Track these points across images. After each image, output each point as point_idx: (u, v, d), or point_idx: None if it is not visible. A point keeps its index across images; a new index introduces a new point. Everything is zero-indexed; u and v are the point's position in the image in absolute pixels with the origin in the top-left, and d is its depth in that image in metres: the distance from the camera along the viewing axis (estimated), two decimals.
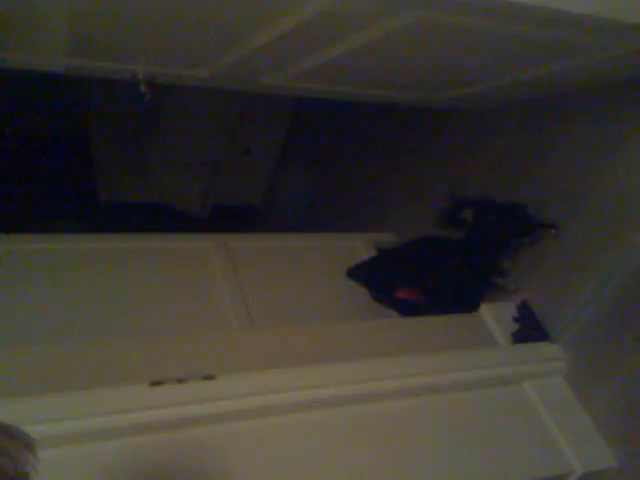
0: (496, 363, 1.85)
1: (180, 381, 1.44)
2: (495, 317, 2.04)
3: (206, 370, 1.51)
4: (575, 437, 1.77)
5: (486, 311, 2.06)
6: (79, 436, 1.32)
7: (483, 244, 2.05)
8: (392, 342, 1.94)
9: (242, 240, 2.48)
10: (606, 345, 1.82)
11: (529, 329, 1.98)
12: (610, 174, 1.83)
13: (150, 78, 1.54)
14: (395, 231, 2.80)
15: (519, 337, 1.98)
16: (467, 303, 2.10)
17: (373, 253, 2.59)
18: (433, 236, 2.49)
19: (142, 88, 1.55)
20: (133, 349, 1.60)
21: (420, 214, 2.71)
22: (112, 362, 1.54)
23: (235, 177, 3.77)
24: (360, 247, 2.63)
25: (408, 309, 2.32)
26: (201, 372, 1.49)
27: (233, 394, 1.45)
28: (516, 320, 2.03)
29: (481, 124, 2.45)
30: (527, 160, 2.19)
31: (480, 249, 2.02)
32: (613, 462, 1.74)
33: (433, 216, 2.28)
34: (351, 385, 1.65)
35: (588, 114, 1.96)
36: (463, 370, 1.80)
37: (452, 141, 2.63)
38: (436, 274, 2.18)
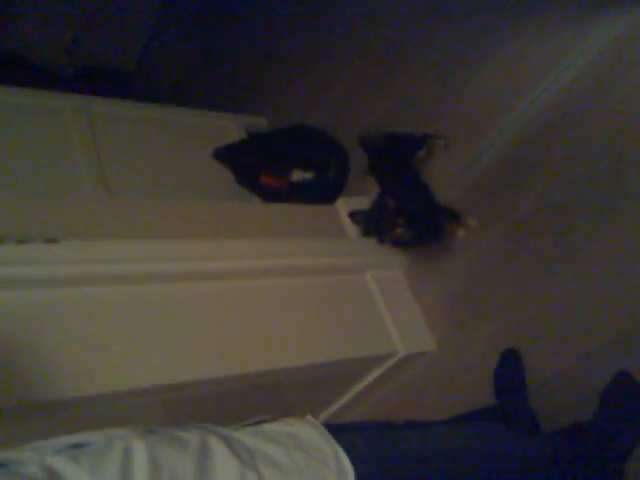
0: (343, 253, 1.97)
1: (20, 242, 1.38)
2: (349, 210, 2.12)
3: (51, 234, 1.46)
4: (403, 324, 1.95)
5: (341, 204, 2.14)
6: None
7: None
8: (250, 225, 1.98)
9: (106, 105, 2.34)
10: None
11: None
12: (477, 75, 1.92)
13: None
14: (269, 117, 2.77)
15: (370, 234, 2.09)
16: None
17: (243, 136, 2.56)
18: (307, 126, 2.51)
19: None
20: None
21: (295, 101, 2.69)
22: None
23: (106, 36, 3.47)
24: (231, 128, 2.59)
25: (270, 196, 2.36)
26: (46, 235, 1.45)
27: (73, 259, 1.42)
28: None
29: (366, 15, 2.41)
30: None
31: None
32: (433, 347, 1.96)
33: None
34: (202, 262, 1.68)
35: (470, 15, 1.99)
36: (311, 256, 1.90)
37: (335, 31, 2.57)
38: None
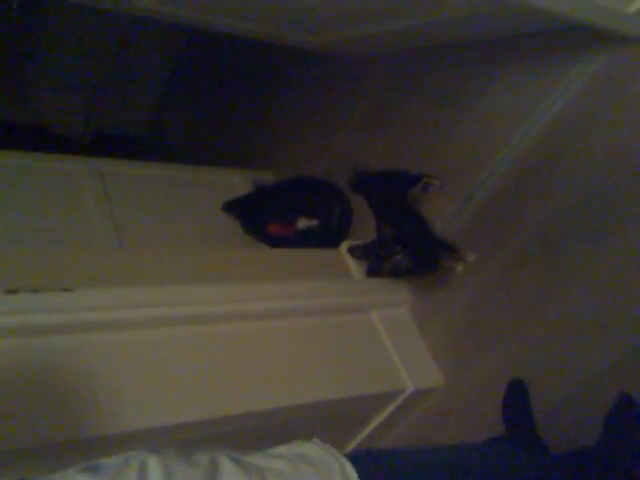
0: (348, 292, 2.03)
1: (35, 291, 1.47)
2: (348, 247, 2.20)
3: (66, 283, 1.55)
4: (411, 361, 1.99)
5: (346, 247, 2.21)
6: None
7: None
8: (257, 269, 2.06)
9: (118, 165, 2.47)
10: (442, 280, 2.03)
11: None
12: (464, 121, 2.03)
13: None
14: (275, 170, 2.89)
15: (372, 271, 2.16)
16: None
17: (251, 189, 2.68)
18: (311, 177, 2.62)
19: None
20: None
21: (300, 155, 2.82)
22: None
23: (119, 103, 3.68)
24: (239, 183, 2.70)
25: (278, 244, 2.44)
26: (60, 285, 1.53)
27: (89, 307, 1.50)
28: None
29: (357, 72, 2.56)
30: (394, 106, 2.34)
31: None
32: (441, 382, 1.99)
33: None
34: (211, 305, 1.75)
35: (456, 64, 2.12)
36: (318, 297, 1.96)
37: (334, 87, 2.72)
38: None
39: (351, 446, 2.13)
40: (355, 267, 2.19)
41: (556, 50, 1.76)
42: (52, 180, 2.24)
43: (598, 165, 1.63)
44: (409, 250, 1.78)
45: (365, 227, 2.37)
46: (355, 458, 0.99)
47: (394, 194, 1.99)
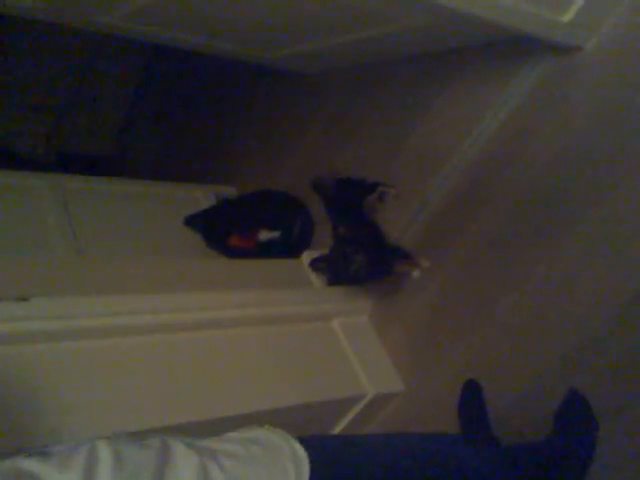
0: (309, 301, 2.06)
1: None
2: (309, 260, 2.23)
3: (21, 292, 1.55)
4: (371, 366, 2.02)
5: (307, 257, 2.25)
6: None
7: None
8: (219, 278, 2.08)
9: (80, 181, 2.48)
10: (399, 288, 2.08)
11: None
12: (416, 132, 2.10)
13: None
14: (239, 185, 2.93)
15: (333, 281, 2.20)
16: None
17: (213, 203, 2.71)
18: (272, 190, 2.66)
19: None
20: None
21: (262, 169, 2.86)
22: None
23: (84, 124, 3.69)
24: (201, 197, 2.73)
25: (239, 256, 2.47)
26: (16, 294, 1.53)
27: (45, 316, 1.50)
28: None
29: (317, 87, 2.63)
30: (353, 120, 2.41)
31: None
32: (402, 387, 2.02)
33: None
34: (170, 314, 1.77)
35: (407, 78, 2.20)
36: (279, 305, 1.99)
37: (292, 102, 2.78)
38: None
39: None
40: (315, 276, 2.22)
41: (498, 62, 1.85)
42: (13, 195, 2.24)
43: (541, 169, 1.71)
44: (364, 250, 1.82)
45: (326, 237, 2.41)
46: (305, 440, 1.02)
47: (350, 201, 2.04)
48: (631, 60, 1.57)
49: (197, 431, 1.60)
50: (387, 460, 1.13)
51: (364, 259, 1.82)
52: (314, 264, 1.99)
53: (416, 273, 1.99)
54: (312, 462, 0.97)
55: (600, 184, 1.58)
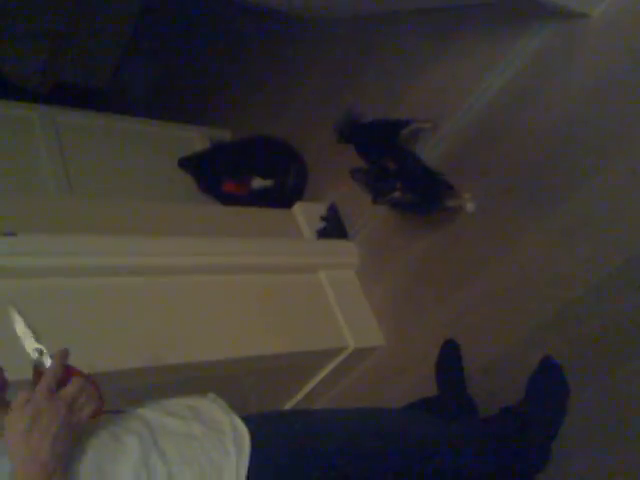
0: (297, 252, 2.07)
1: None
2: (305, 214, 2.24)
3: (10, 227, 1.55)
4: (354, 321, 2.05)
5: (298, 208, 2.25)
6: None
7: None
8: (209, 225, 2.08)
9: (73, 116, 2.44)
10: (387, 245, 2.09)
11: (332, 227, 2.21)
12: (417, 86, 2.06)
13: None
14: (234, 129, 2.89)
15: (323, 234, 2.21)
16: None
17: (208, 146, 2.67)
18: (268, 137, 2.62)
19: None
20: None
21: (259, 114, 2.81)
22: None
23: (80, 54, 3.59)
24: (196, 139, 2.70)
25: (232, 202, 2.46)
26: (3, 228, 1.53)
27: (31, 251, 1.50)
28: (323, 219, 2.24)
29: (317, 34, 2.56)
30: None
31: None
32: (382, 341, 2.06)
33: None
34: (160, 257, 1.77)
35: (414, 30, 2.14)
36: (267, 255, 2.00)
37: (295, 47, 2.71)
38: None
39: (296, 400, 2.20)
40: (306, 227, 2.23)
41: (503, 22, 1.80)
42: (4, 125, 2.21)
43: (536, 137, 1.69)
44: (410, 188, 1.70)
45: (319, 190, 2.41)
46: (247, 417, 1.03)
47: (386, 139, 1.92)
48: (636, 31, 1.53)
49: (173, 374, 1.65)
50: (335, 433, 1.13)
51: (409, 197, 1.70)
52: (355, 173, 1.80)
53: (470, 205, 1.83)
54: (253, 438, 0.97)
55: (586, 159, 1.57)
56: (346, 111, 2.06)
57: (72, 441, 0.82)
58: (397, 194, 1.70)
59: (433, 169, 1.85)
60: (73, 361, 0.90)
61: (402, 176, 1.71)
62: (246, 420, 1.02)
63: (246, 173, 2.49)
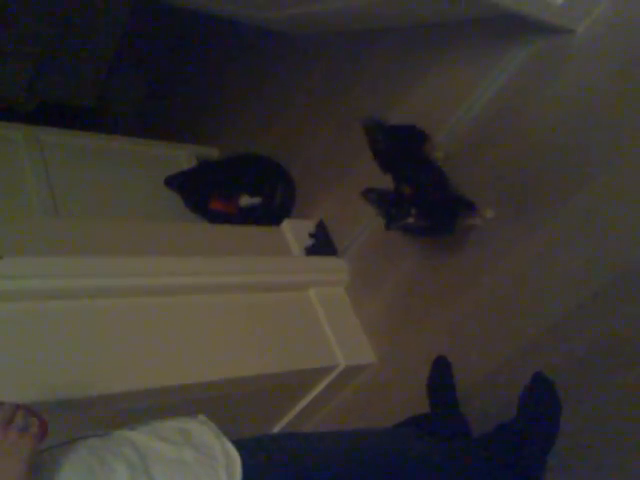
0: (286, 270, 2.05)
1: None
2: (293, 231, 2.23)
3: None
4: (345, 338, 2.03)
5: (286, 225, 2.24)
6: None
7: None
8: (197, 244, 2.06)
9: (58, 135, 2.42)
10: (377, 261, 2.09)
11: (321, 244, 2.21)
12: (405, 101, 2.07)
13: None
14: (222, 147, 2.88)
15: (312, 251, 2.20)
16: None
17: (195, 165, 2.66)
18: (255, 155, 2.62)
19: None
20: None
21: (246, 132, 2.81)
22: None
23: (66, 72, 3.57)
24: (182, 158, 2.68)
25: (219, 220, 2.44)
26: None
27: (16, 275, 1.48)
28: (312, 236, 2.24)
29: (305, 50, 2.57)
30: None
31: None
32: (373, 359, 2.04)
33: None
34: (146, 278, 1.75)
35: (400, 46, 2.16)
36: (257, 273, 1.98)
37: (283, 64, 2.72)
38: None
39: (287, 419, 2.18)
40: (295, 244, 2.22)
41: (491, 38, 1.82)
42: None
43: (527, 149, 1.70)
44: (424, 215, 1.65)
45: (307, 207, 2.40)
46: (239, 442, 1.01)
47: (409, 147, 1.86)
48: (619, 45, 1.55)
49: (165, 396, 1.63)
50: (329, 458, 1.12)
51: (422, 223, 1.65)
52: (367, 193, 1.71)
53: (480, 221, 1.79)
54: (245, 465, 0.96)
55: (575, 172, 1.58)
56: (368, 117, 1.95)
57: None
58: (411, 220, 1.64)
59: (453, 189, 1.80)
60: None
61: (417, 202, 1.65)
62: (238, 444, 1.00)
63: (234, 191, 2.48)
